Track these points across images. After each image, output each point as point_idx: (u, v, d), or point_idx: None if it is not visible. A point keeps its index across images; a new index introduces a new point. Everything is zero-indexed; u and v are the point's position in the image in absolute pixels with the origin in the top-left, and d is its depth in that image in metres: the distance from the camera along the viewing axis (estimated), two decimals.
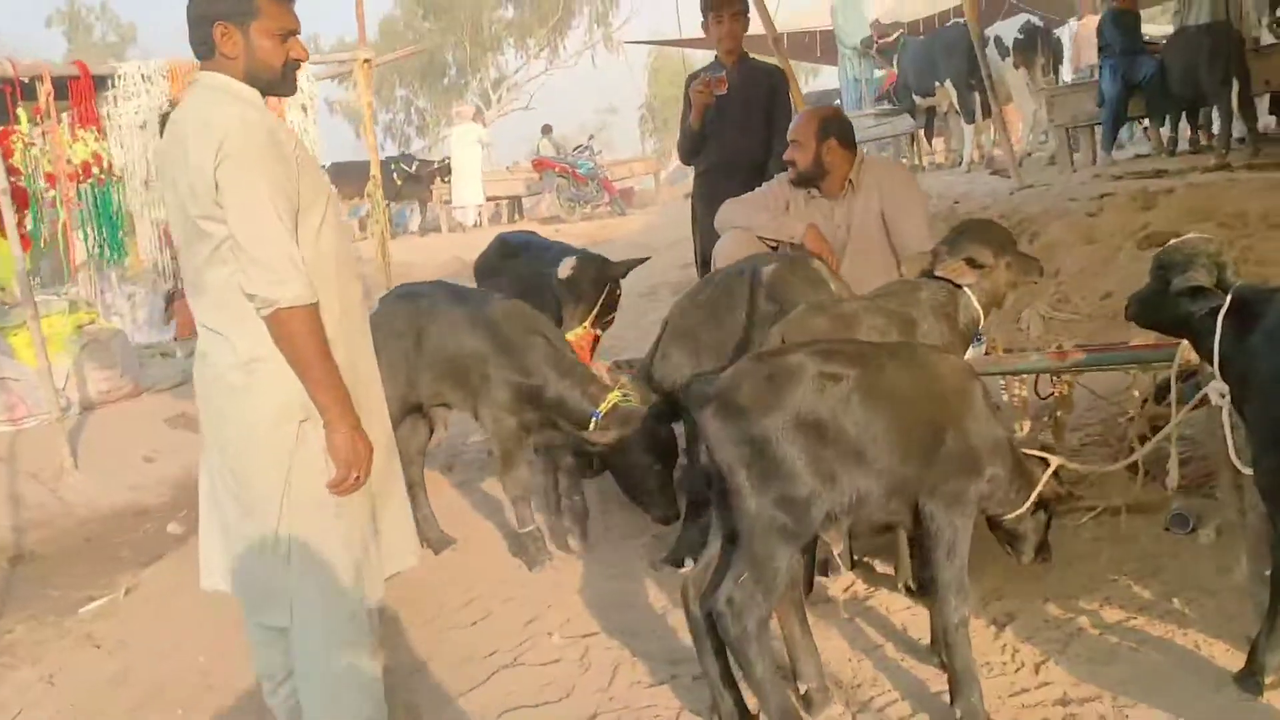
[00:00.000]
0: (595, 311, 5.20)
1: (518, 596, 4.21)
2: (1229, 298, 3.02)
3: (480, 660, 3.73)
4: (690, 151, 6.57)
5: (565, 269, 5.26)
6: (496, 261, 6.01)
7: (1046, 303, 7.02)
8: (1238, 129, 9.61)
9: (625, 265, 5.50)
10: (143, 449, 7.37)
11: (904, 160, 14.99)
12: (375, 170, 8.23)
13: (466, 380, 4.56)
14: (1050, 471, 3.24)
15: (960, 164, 13.36)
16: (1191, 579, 3.59)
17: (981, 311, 3.68)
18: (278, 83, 2.92)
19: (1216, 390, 3.09)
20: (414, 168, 20.82)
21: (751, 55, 6.35)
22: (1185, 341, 3.35)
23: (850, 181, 4.95)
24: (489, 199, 20.93)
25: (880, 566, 4.02)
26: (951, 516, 2.95)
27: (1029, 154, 12.91)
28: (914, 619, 3.61)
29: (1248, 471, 3.01)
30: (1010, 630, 3.46)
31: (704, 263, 6.02)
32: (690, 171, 6.75)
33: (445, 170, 20.37)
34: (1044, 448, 3.41)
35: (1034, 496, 3.20)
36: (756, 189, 5.31)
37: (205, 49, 2.86)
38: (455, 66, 38.44)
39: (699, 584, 3.00)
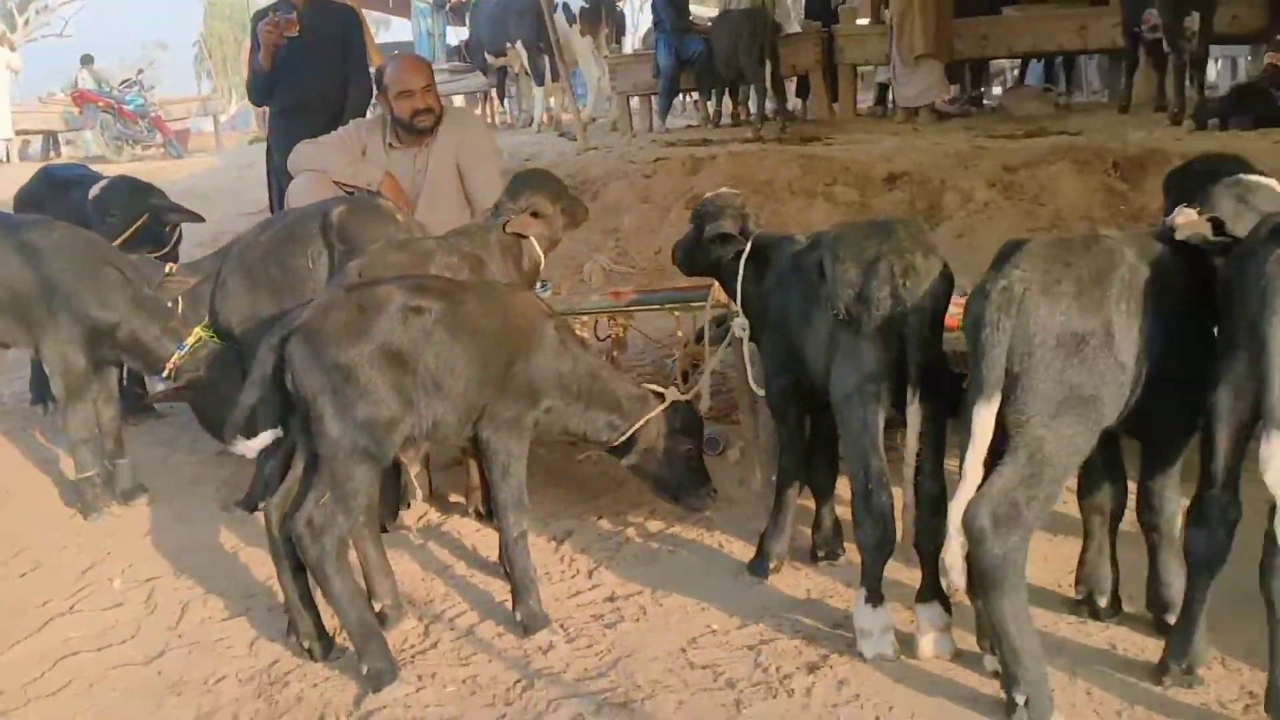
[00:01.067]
0: (126, 236, 4.84)
1: (72, 545, 3.98)
2: (749, 244, 3.53)
3: (33, 610, 3.50)
4: (261, 93, 6.39)
5: (95, 188, 4.94)
6: (44, 194, 5.49)
7: (608, 256, 7.61)
8: (771, 106, 10.84)
9: (171, 204, 5.18)
10: None
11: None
12: None
13: (28, 316, 4.18)
14: (661, 408, 3.53)
15: (531, 124, 13.87)
16: (719, 490, 4.15)
17: (542, 254, 3.99)
18: None
19: (739, 325, 3.60)
20: None
21: None
22: (717, 283, 3.87)
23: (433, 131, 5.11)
24: (18, 133, 18.66)
25: (454, 497, 4.24)
26: (506, 441, 3.20)
27: (595, 119, 13.69)
28: (484, 540, 3.87)
29: (761, 394, 3.54)
30: (568, 543, 3.82)
31: (281, 206, 5.89)
32: (255, 115, 6.56)
33: None
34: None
35: (633, 429, 3.48)
36: (333, 132, 5.30)
37: None
38: None
39: (281, 508, 3.04)
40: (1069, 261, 2.56)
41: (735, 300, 3.58)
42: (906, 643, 2.97)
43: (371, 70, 6.18)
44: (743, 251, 3.52)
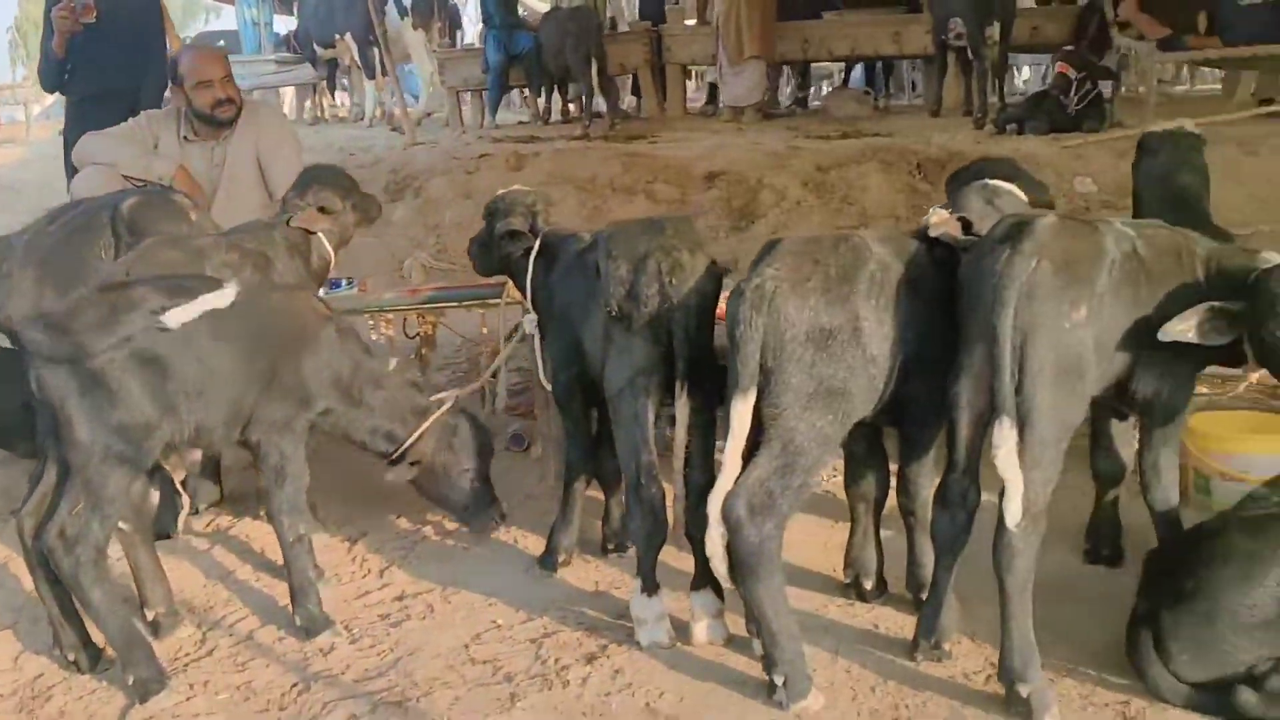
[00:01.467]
0: None
1: None
2: (538, 241, 3.56)
3: None
4: (53, 80, 6.10)
5: None
6: None
7: (428, 252, 7.53)
8: (600, 104, 10.93)
9: None
10: None
11: (309, 111, 14.94)
12: None
13: None
14: (435, 418, 3.40)
15: (363, 118, 13.59)
16: (520, 487, 4.18)
17: (332, 251, 3.93)
18: None
19: (529, 321, 3.63)
20: None
21: None
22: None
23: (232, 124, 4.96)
24: None
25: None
26: (278, 444, 3.13)
27: (430, 114, 13.51)
28: (274, 544, 3.77)
29: (549, 388, 3.58)
30: (362, 544, 3.79)
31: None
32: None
33: None
34: (414, 384, 3.68)
35: (414, 438, 3.36)
36: (122, 124, 5.09)
37: None
38: None
39: (34, 517, 2.91)
40: (818, 259, 2.68)
41: (525, 297, 3.61)
42: (686, 630, 3.06)
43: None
44: (532, 249, 3.55)
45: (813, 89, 13.92)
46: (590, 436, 3.46)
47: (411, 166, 8.81)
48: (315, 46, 13.88)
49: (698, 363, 2.90)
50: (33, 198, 10.28)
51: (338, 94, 16.11)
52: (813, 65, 12.54)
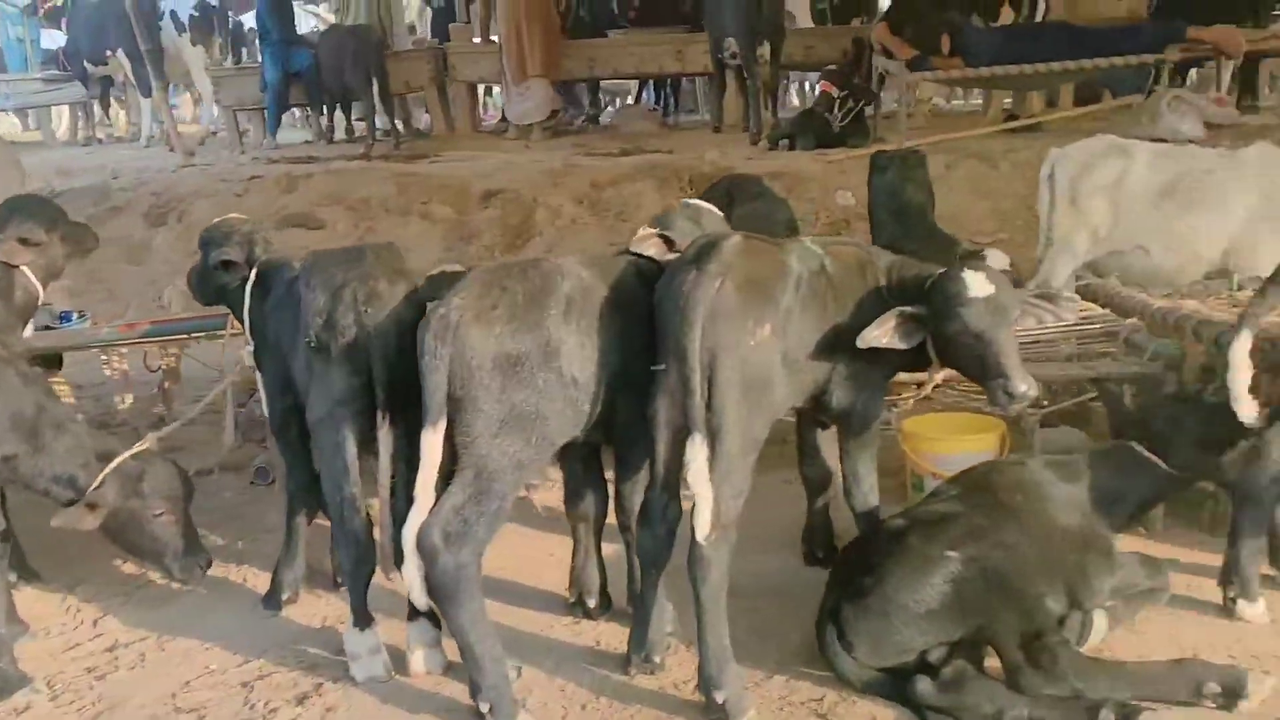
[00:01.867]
0: None
1: None
2: (254, 271, 3.46)
3: None
4: None
5: None
6: None
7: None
8: (383, 123, 10.76)
9: None
10: None
11: (81, 130, 14.17)
12: None
13: None
14: (123, 458, 3.09)
15: (139, 138, 13.00)
16: (261, 522, 4.06)
17: (40, 286, 3.72)
18: None
19: (248, 353, 3.52)
20: None
21: None
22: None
23: None
24: None
25: None
26: None
27: (214, 133, 13.02)
28: None
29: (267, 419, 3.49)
30: (77, 592, 3.59)
31: None
32: None
33: None
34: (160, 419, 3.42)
35: (97, 481, 3.04)
36: None
37: None
38: None
39: None
40: (505, 286, 2.70)
41: (245, 327, 3.51)
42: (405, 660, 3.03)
43: None
44: (248, 278, 3.45)
45: (606, 106, 14.11)
46: (309, 468, 3.37)
47: (177, 189, 8.47)
48: (86, 64, 13.18)
49: (399, 392, 2.86)
50: None
51: (117, 112, 15.32)
52: (603, 83, 12.72)
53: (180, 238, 7.63)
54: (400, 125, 10.85)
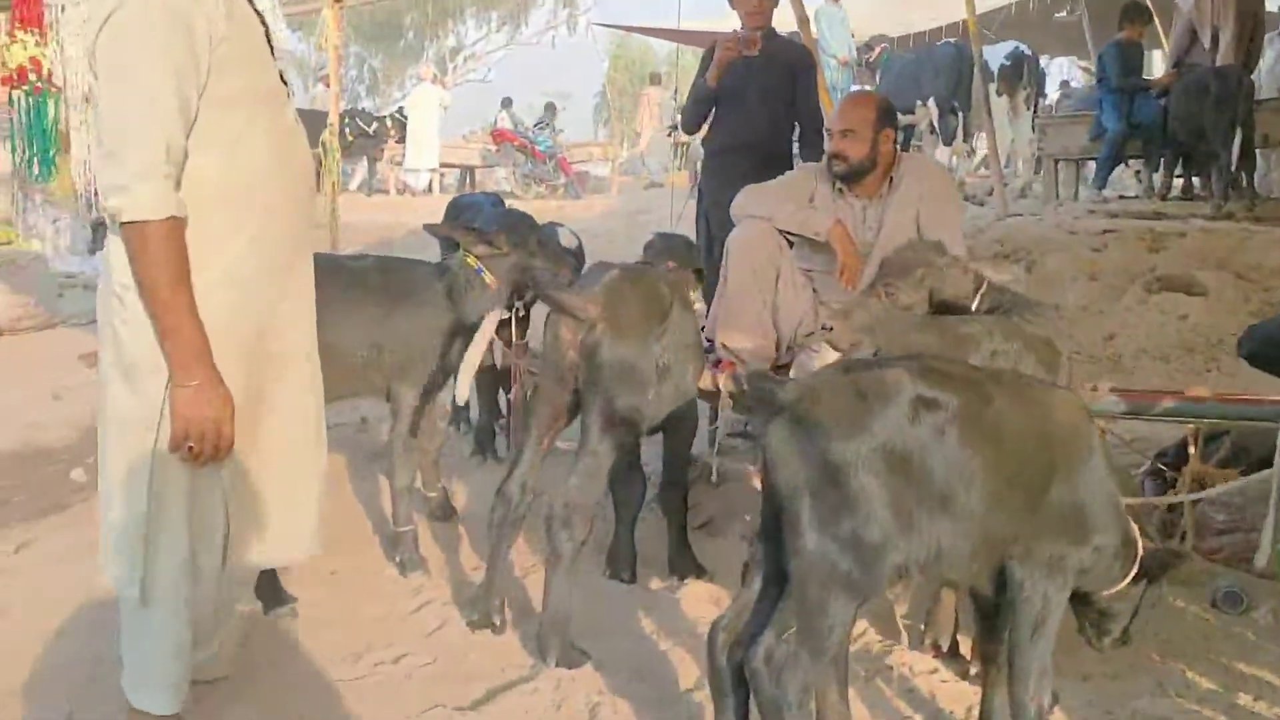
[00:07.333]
0: None
1: None
2: None
3: None
4: (696, 118, 6.07)
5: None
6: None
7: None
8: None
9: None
10: (51, 385, 6.65)
11: None
12: (334, 118, 7.57)
13: None
14: None
15: None
16: None
17: None
18: None
19: None
20: (372, 127, 19.50)
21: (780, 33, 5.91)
22: None
23: (890, 179, 4.50)
24: (442, 165, 20.10)
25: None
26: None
27: (1005, 184, 12.68)
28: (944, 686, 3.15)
29: None
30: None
31: (709, 247, 5.57)
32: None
33: (400, 129, 19.36)
34: None
35: None
36: (780, 177, 4.84)
37: None
38: (414, 29, 37.39)
39: (731, 630, 2.49)
40: None
41: None
42: None
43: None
44: None
45: None
46: None
47: (1015, 239, 8.00)
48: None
49: None
50: (624, 246, 10.87)
51: None
52: None
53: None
54: (1249, 182, 9.36)
